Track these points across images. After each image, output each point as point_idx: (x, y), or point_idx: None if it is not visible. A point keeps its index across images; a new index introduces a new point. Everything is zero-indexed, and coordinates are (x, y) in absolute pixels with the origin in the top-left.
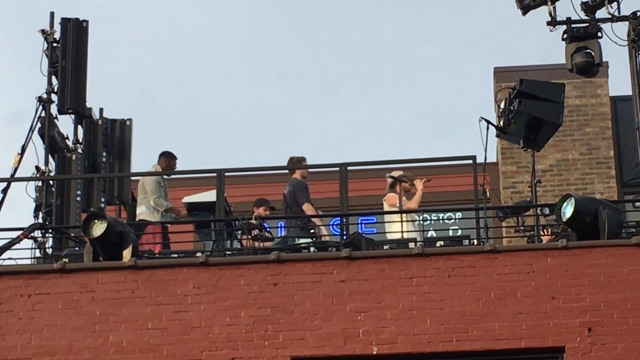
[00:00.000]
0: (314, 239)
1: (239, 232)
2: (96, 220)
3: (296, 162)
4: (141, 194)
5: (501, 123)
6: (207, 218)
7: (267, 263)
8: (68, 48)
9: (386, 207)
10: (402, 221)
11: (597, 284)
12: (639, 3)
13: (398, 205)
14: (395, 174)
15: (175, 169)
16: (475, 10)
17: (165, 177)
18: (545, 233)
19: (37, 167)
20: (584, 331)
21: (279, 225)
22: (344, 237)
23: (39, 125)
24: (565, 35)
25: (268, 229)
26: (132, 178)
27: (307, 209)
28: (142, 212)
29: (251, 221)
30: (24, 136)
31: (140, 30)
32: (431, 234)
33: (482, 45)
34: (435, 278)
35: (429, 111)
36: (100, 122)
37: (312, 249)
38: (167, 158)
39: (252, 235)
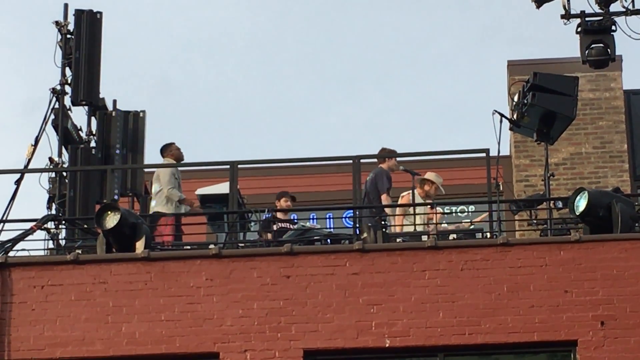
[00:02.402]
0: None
1: (255, 224)
2: (109, 212)
3: (388, 152)
4: (156, 185)
5: (515, 116)
6: (220, 210)
7: (280, 255)
8: (82, 39)
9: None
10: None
11: (610, 277)
12: None
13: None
14: (429, 177)
15: (183, 156)
16: (489, 4)
17: (179, 168)
18: None
19: (50, 159)
20: (597, 325)
21: (292, 217)
22: (357, 230)
23: (52, 116)
24: (579, 29)
25: (295, 220)
26: (146, 170)
27: (384, 199)
28: (156, 204)
29: (268, 213)
30: (38, 128)
31: (154, 22)
32: (444, 226)
33: (496, 39)
34: (448, 271)
35: (443, 104)
36: (113, 113)
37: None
38: (174, 149)
39: (271, 229)
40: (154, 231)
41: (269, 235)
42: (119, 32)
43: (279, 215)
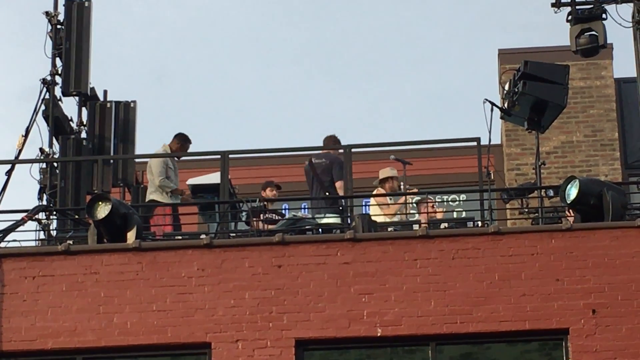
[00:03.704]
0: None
1: (246, 214)
2: (100, 202)
3: (331, 139)
4: (150, 175)
5: (505, 105)
6: (212, 200)
7: (272, 245)
8: (72, 30)
9: (372, 202)
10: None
11: (601, 265)
12: None
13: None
14: (389, 173)
15: (182, 148)
16: None
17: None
18: (571, 214)
19: (41, 149)
20: (588, 313)
21: (284, 207)
22: (349, 219)
23: (43, 107)
24: (569, 17)
25: (286, 209)
26: (137, 160)
27: (340, 186)
28: (152, 193)
29: (259, 203)
30: (29, 118)
31: (147, 12)
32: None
33: (487, 27)
34: (440, 260)
35: (434, 93)
36: (108, 105)
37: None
38: (181, 141)
39: (260, 217)
40: (147, 220)
41: (258, 223)
42: (112, 22)
43: (268, 204)
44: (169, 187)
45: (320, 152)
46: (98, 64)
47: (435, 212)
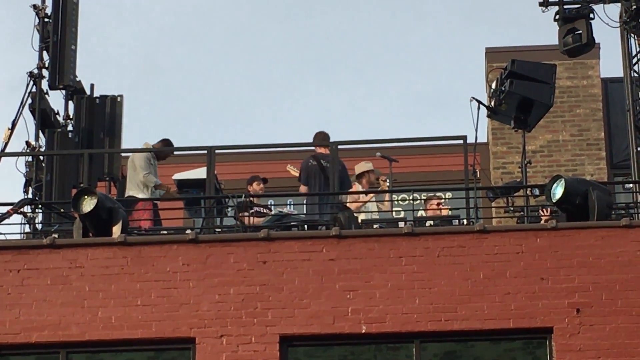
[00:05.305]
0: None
1: (232, 208)
2: (86, 196)
3: (322, 135)
4: (131, 170)
5: (492, 103)
6: (197, 195)
7: (257, 241)
8: (59, 23)
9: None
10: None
11: (586, 265)
12: None
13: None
14: (365, 167)
15: (167, 157)
16: None
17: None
18: (544, 213)
19: (27, 143)
20: (573, 312)
21: (270, 204)
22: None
23: (29, 100)
24: (557, 16)
25: (272, 205)
26: (123, 154)
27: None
28: (132, 188)
29: (247, 198)
30: (15, 111)
31: (135, 6)
32: (420, 213)
33: (474, 26)
34: (425, 257)
35: (421, 91)
36: (97, 100)
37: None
38: (164, 145)
39: (248, 212)
40: (130, 215)
41: (246, 218)
42: (100, 16)
43: (255, 199)
44: (152, 182)
45: (324, 152)
46: (85, 58)
47: (441, 210)
